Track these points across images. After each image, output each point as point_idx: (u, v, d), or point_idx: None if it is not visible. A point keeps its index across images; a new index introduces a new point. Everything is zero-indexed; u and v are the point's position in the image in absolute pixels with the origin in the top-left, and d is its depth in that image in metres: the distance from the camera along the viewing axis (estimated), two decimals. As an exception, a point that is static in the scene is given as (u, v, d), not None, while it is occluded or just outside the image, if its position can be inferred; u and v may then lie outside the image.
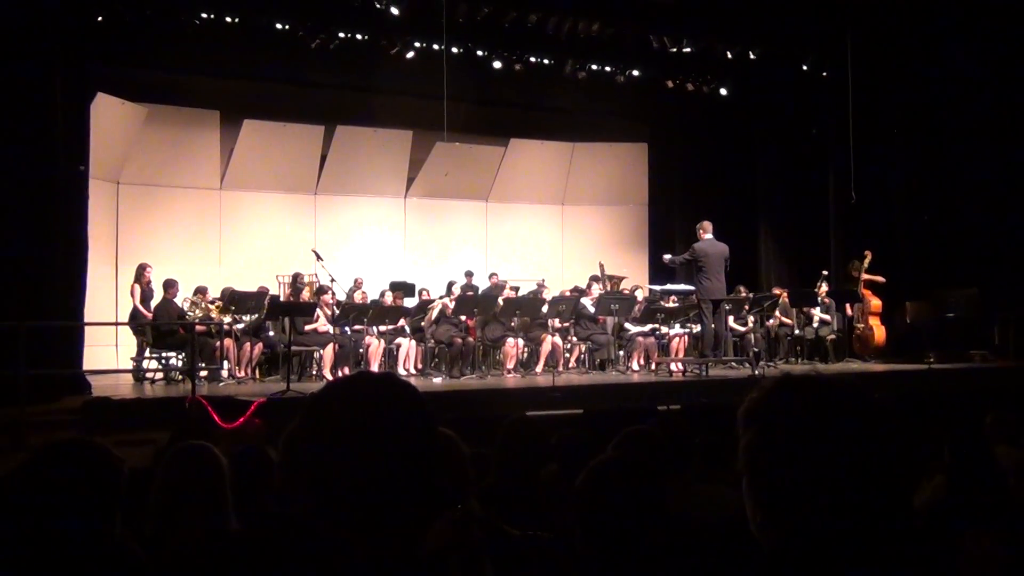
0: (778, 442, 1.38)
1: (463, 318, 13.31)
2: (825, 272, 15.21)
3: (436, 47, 13.72)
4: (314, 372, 12.57)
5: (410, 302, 14.03)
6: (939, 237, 15.17)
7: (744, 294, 14.61)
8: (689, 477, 3.95)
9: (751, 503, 1.42)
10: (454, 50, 13.94)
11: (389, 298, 13.53)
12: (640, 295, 14.62)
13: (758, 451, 1.40)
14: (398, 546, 1.45)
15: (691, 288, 12.77)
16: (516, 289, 14.59)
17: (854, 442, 1.36)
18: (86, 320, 11.41)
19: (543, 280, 15.09)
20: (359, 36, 13.95)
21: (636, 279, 16.13)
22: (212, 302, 12.65)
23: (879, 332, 14.89)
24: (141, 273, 12.58)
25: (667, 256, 13.03)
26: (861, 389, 1.43)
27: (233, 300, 12.47)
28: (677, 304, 14.07)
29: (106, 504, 2.26)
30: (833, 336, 14.79)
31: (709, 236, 12.18)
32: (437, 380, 12.43)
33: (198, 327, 11.61)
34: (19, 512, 2.21)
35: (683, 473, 3.92)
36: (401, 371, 12.66)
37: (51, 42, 10.54)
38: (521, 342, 13.47)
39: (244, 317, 12.45)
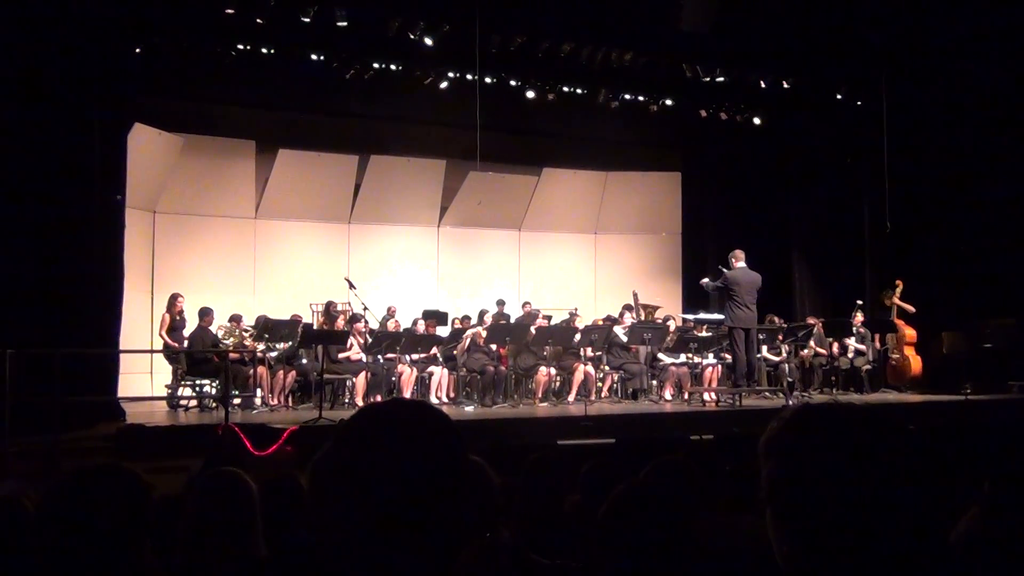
0: (799, 472, 1.37)
1: (495, 346, 13.31)
2: (860, 302, 15.08)
3: (469, 77, 13.81)
4: (346, 400, 12.57)
5: (443, 331, 14.04)
6: (976, 266, 14.98)
7: (778, 323, 14.51)
8: (720, 507, 3.91)
9: (776, 534, 1.41)
10: (487, 80, 14.02)
11: (422, 326, 13.58)
12: (672, 325, 14.55)
13: (780, 482, 1.39)
14: (427, 574, 1.45)
15: (722, 317, 12.70)
16: (549, 318, 14.55)
17: (878, 471, 1.34)
18: (121, 348, 11.50)
19: (576, 309, 15.04)
20: (393, 67, 14.09)
21: (669, 309, 16.06)
22: (246, 330, 12.75)
23: (915, 362, 14.75)
24: (173, 303, 12.65)
25: (704, 280, 12.98)
26: (885, 417, 1.41)
27: (267, 328, 12.54)
28: (710, 333, 13.99)
29: (134, 530, 2.27)
30: (868, 366, 14.64)
31: (742, 264, 12.13)
32: (469, 408, 12.40)
33: (232, 355, 11.70)
34: (47, 537, 2.22)
35: (713, 503, 3.88)
36: (433, 399, 12.67)
37: (90, 73, 10.69)
38: (553, 371, 13.44)
39: (278, 345, 12.52)
